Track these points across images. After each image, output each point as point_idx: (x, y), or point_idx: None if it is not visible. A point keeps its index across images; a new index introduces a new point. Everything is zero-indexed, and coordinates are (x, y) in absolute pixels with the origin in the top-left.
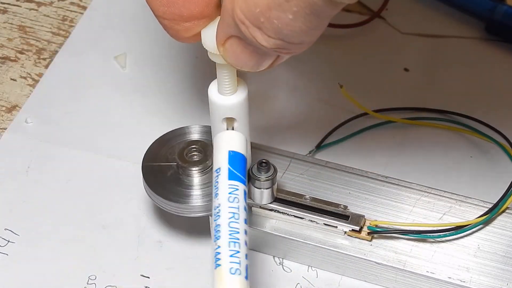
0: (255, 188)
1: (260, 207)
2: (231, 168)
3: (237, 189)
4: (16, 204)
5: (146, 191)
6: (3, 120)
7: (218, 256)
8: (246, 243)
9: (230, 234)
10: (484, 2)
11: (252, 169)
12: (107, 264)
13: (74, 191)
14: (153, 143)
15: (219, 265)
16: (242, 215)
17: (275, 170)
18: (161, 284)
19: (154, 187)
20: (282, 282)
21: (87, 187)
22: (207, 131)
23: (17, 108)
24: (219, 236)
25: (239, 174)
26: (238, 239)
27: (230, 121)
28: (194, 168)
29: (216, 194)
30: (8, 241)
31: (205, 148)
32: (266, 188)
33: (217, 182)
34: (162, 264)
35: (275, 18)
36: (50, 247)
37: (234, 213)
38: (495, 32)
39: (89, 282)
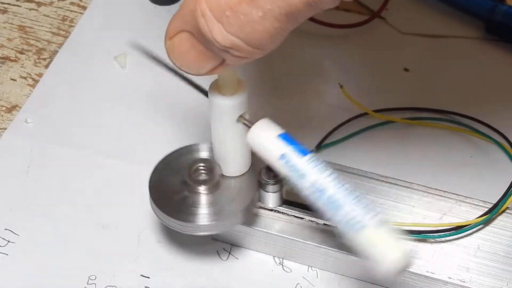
0: (264, 192)
1: (260, 207)
2: (293, 148)
3: (315, 160)
4: (16, 204)
5: (152, 208)
6: (3, 120)
7: (355, 220)
8: (361, 194)
9: (349, 195)
10: (484, 2)
11: (260, 173)
12: (107, 264)
13: (74, 191)
14: (159, 162)
15: (363, 226)
16: (337, 175)
17: None
18: (161, 284)
19: (160, 205)
20: (282, 282)
21: (87, 187)
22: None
23: (17, 108)
24: (338, 204)
25: (303, 148)
26: (357, 195)
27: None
28: (201, 187)
29: (303, 175)
30: (8, 241)
31: (212, 167)
32: (275, 192)
33: (292, 165)
34: (162, 264)
35: (242, 13)
36: (50, 247)
37: (334, 178)
38: (495, 32)
39: (89, 282)
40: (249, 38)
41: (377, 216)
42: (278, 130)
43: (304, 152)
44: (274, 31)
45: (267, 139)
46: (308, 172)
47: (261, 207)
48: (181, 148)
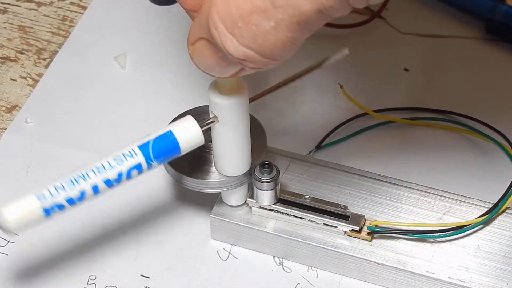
0: (258, 190)
1: (261, 207)
2: (151, 142)
3: (131, 157)
4: None
5: (164, 166)
6: (3, 120)
7: (53, 181)
8: (82, 195)
9: (78, 176)
10: (484, 2)
11: (254, 170)
12: (107, 264)
13: None
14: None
15: (43, 187)
16: (109, 175)
17: (278, 171)
18: (161, 284)
19: (172, 163)
20: (282, 282)
21: None
22: None
23: (17, 108)
24: (75, 170)
25: (150, 151)
26: (78, 183)
27: (215, 118)
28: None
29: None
30: (8, 241)
31: None
32: (269, 190)
33: (135, 142)
34: (162, 264)
35: (254, 24)
36: (50, 247)
37: (104, 166)
38: (495, 32)
39: (89, 282)
40: (262, 49)
41: (52, 197)
42: (178, 132)
43: (143, 150)
44: (287, 41)
45: (172, 123)
46: (119, 150)
47: (261, 207)
48: (193, 108)
